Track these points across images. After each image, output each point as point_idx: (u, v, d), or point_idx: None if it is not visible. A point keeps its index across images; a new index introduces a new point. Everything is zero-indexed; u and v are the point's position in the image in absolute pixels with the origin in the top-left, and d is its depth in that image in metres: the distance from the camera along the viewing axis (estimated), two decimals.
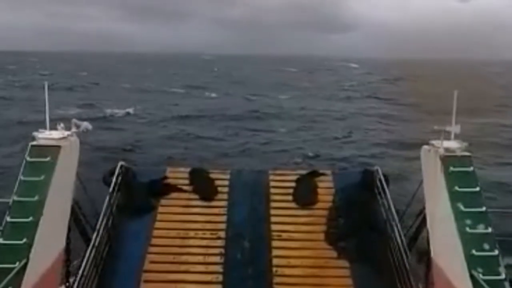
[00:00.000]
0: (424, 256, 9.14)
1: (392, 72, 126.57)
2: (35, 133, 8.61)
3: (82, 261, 9.49)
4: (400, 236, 10.31)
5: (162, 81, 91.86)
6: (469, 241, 7.51)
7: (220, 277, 10.06)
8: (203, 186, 12.49)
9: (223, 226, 11.32)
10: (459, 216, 7.77)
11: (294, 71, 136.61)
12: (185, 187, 12.48)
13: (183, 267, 10.28)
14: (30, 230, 7.44)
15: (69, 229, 9.08)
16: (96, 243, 9.99)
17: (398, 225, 10.56)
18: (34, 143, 8.48)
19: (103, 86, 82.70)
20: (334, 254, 10.66)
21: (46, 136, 8.58)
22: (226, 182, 12.73)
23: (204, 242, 10.90)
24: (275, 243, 10.91)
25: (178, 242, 10.90)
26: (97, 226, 10.31)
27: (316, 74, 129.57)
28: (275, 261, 10.43)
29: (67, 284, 9.34)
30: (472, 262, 7.31)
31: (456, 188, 8.06)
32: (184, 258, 10.50)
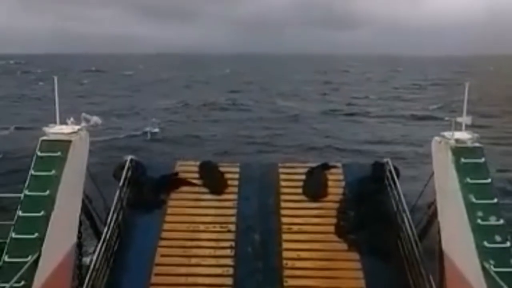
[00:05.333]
0: (435, 248, 9.10)
1: None
2: (45, 128, 8.66)
3: (93, 255, 9.56)
4: (411, 228, 10.26)
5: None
6: (480, 233, 7.46)
7: (230, 270, 10.08)
8: (213, 180, 12.49)
9: (233, 219, 11.33)
10: (470, 208, 7.72)
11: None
12: (195, 181, 12.50)
13: (194, 260, 10.32)
14: (41, 224, 7.50)
15: (80, 223, 9.14)
16: (107, 237, 10.05)
17: (409, 217, 10.50)
18: (45, 138, 8.52)
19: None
20: (344, 246, 10.64)
21: (56, 131, 8.63)
22: (236, 175, 12.73)
23: (214, 235, 10.92)
24: (285, 236, 10.90)
25: (188, 235, 10.93)
26: (108, 220, 10.37)
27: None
28: (285, 254, 10.43)
29: (80, 277, 9.42)
30: (483, 254, 7.26)
31: (468, 179, 7.99)
32: (194, 251, 10.53)
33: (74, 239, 8.74)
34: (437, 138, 8.99)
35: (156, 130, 39.95)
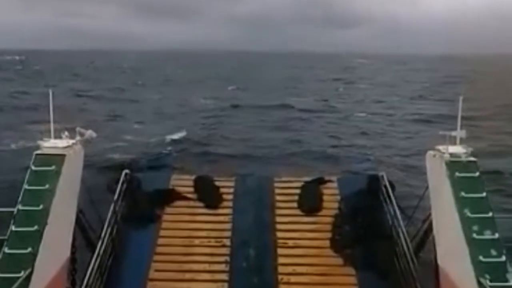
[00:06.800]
0: (431, 262, 9.07)
1: None
2: (40, 142, 8.63)
3: (87, 269, 9.46)
4: (406, 242, 10.24)
5: None
6: (476, 247, 7.44)
7: (225, 286, 10.00)
8: (208, 194, 12.46)
9: (228, 233, 11.28)
10: (465, 222, 7.70)
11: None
12: (190, 195, 12.45)
13: (188, 275, 10.24)
14: (35, 239, 7.43)
15: (74, 238, 9.07)
16: (101, 252, 9.96)
17: (404, 231, 10.49)
18: (39, 151, 8.49)
19: None
20: (340, 261, 10.58)
21: (50, 144, 8.60)
22: (231, 190, 12.70)
23: (209, 250, 10.85)
24: (280, 251, 10.85)
25: (183, 250, 10.86)
26: (102, 235, 10.29)
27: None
28: (280, 269, 10.37)
29: None
30: (479, 268, 7.23)
31: (462, 193, 7.99)
32: (189, 266, 10.45)
33: (67, 254, 8.66)
34: (431, 152, 9.00)
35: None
